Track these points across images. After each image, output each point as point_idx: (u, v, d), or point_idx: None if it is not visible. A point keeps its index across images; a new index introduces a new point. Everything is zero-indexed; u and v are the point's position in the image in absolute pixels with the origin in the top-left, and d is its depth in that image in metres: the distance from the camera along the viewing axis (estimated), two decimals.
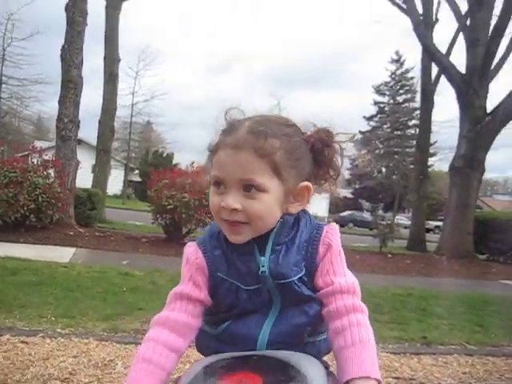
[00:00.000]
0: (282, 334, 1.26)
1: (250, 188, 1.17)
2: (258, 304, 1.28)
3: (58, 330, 4.47)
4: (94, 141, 20.12)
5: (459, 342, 5.28)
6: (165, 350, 1.22)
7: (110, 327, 4.71)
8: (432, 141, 28.27)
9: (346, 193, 59.97)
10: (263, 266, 1.24)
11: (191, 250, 1.33)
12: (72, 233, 11.43)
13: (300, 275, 1.26)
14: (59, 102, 12.69)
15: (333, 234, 1.29)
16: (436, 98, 19.55)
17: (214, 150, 1.24)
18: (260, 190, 1.17)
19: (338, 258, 1.28)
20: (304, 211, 1.33)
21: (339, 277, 1.25)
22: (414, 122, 48.56)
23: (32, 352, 3.81)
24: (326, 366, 1.35)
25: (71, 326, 4.61)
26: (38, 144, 15.37)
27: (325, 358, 1.43)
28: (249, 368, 1.03)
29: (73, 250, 9.84)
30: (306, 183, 1.25)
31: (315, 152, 1.27)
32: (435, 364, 4.50)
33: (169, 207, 11.05)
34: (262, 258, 1.25)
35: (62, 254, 9.00)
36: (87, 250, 10.23)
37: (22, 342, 4.02)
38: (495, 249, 15.79)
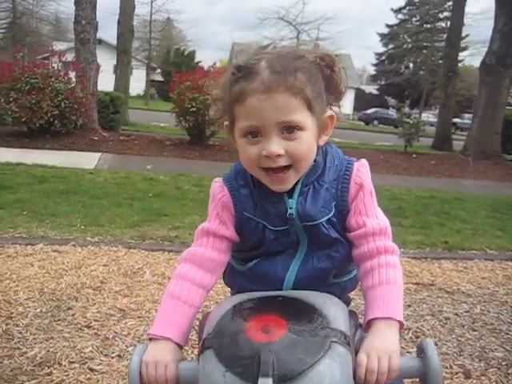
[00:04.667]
0: (308, 276, 1.28)
1: (291, 129, 1.15)
2: (285, 245, 1.28)
3: (88, 239, 4.64)
4: (114, 40, 19.63)
5: (480, 247, 5.34)
6: (193, 286, 1.25)
7: (137, 235, 4.86)
8: (464, 34, 27.02)
9: (371, 89, 58.68)
10: (291, 208, 1.24)
11: (217, 187, 1.32)
12: (96, 137, 11.52)
13: (328, 216, 1.26)
14: (75, 3, 12.30)
15: (364, 172, 1.27)
16: None
17: (237, 100, 1.17)
18: (300, 129, 1.15)
19: (370, 197, 1.27)
20: (329, 144, 1.31)
21: (371, 218, 1.26)
22: (445, 14, 46.31)
23: (65, 261, 3.98)
24: (349, 302, 1.41)
25: (100, 235, 4.78)
26: (58, 46, 15.12)
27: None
28: (274, 310, 1.06)
29: (98, 155, 9.99)
30: (331, 112, 1.25)
31: (325, 78, 1.22)
32: (455, 269, 4.59)
33: (192, 110, 10.98)
34: (290, 200, 1.24)
35: (88, 160, 9.16)
36: (112, 154, 10.36)
37: (55, 250, 4.21)
38: None
